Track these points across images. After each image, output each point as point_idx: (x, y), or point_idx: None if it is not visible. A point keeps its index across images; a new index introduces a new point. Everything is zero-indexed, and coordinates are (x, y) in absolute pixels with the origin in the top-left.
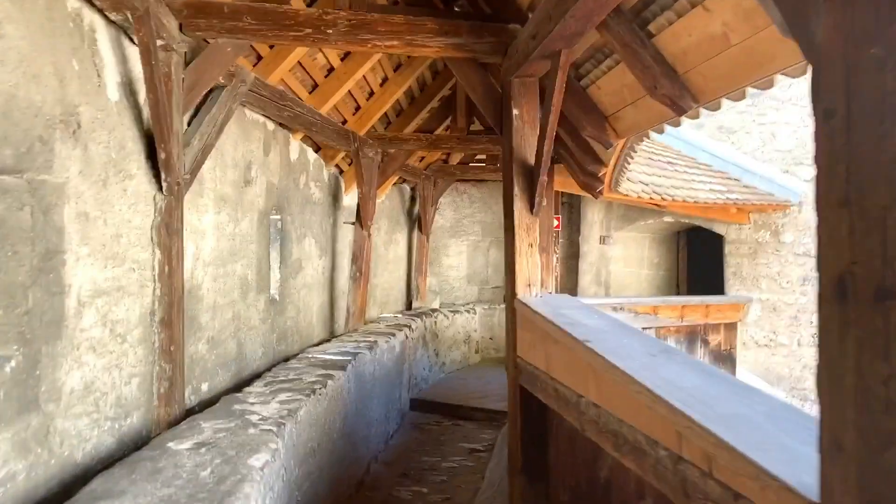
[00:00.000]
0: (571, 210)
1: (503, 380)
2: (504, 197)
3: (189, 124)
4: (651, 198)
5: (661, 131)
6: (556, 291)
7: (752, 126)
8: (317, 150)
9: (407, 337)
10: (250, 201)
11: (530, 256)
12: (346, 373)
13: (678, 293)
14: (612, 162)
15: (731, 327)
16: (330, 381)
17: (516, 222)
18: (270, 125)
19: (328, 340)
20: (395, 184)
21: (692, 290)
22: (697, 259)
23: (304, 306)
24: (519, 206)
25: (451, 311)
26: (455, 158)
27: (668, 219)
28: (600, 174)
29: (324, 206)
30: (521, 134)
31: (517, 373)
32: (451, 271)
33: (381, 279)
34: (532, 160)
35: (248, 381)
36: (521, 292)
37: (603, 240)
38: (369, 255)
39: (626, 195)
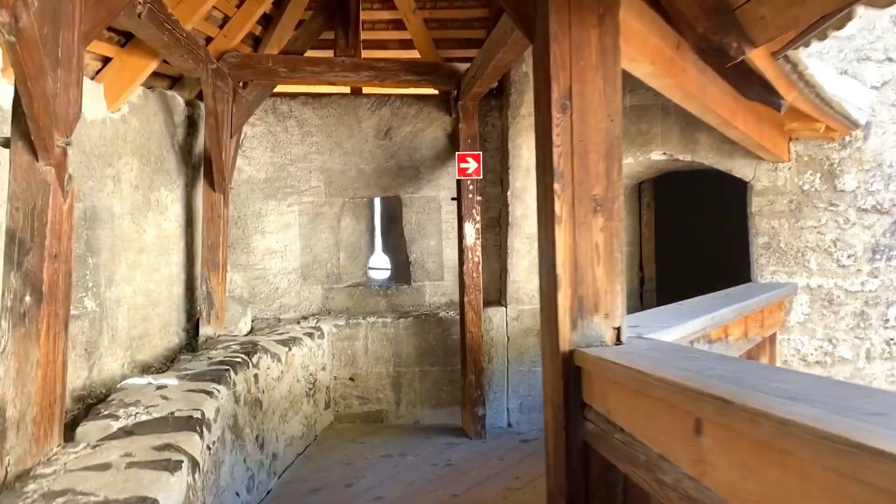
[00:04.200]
0: (487, 143)
1: (407, 475)
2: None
3: None
4: None
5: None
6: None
7: None
8: None
9: (197, 466)
10: None
11: None
12: None
13: (642, 287)
14: None
15: (773, 339)
16: None
17: None
18: None
19: None
20: (150, 86)
21: (662, 277)
22: (667, 224)
23: None
24: None
25: (283, 342)
26: (275, 42)
27: (656, 155)
28: None
29: None
30: None
31: None
32: (270, 260)
33: (127, 288)
34: None
35: None
36: None
37: None
38: (70, 238)
39: None
